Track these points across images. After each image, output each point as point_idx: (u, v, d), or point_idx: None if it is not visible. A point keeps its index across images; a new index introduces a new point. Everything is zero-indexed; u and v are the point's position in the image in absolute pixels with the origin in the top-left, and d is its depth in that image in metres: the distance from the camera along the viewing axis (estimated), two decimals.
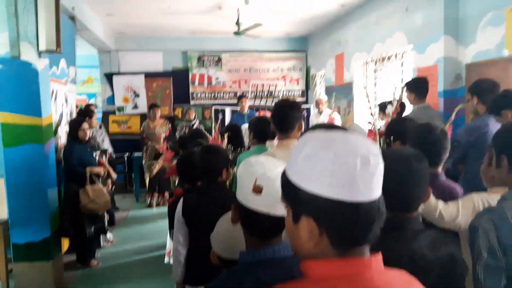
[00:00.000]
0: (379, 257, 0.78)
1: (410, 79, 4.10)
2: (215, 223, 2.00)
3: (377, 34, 5.62)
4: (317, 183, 0.72)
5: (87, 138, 4.25)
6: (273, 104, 8.16)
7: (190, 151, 2.64)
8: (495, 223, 1.28)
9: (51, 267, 3.55)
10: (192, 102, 8.29)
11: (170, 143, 6.54)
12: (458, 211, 1.73)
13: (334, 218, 0.72)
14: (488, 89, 2.94)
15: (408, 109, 4.03)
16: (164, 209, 6.36)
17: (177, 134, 7.13)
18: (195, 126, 7.10)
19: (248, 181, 1.10)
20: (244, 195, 1.11)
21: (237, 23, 6.26)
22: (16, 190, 3.49)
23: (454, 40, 4.17)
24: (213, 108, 8.16)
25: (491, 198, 1.73)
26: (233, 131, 4.20)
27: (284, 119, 2.19)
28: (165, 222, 5.53)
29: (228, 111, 8.07)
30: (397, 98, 3.90)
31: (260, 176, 1.08)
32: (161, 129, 6.74)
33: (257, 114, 6.98)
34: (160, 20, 6.79)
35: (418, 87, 3.72)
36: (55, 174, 3.76)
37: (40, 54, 3.62)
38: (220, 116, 8.16)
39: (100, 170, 4.15)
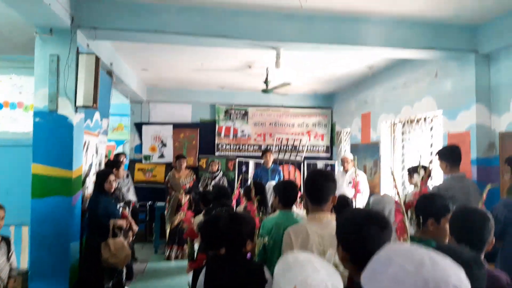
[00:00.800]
0: None
1: (442, 146, 4.01)
2: None
3: (405, 97, 5.62)
4: None
5: (112, 190, 4.28)
6: (297, 158, 8.17)
7: (216, 216, 2.59)
8: None
9: None
10: (217, 153, 8.37)
11: (193, 194, 6.55)
12: None
13: None
14: None
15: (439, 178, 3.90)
16: (183, 262, 6.23)
17: (200, 185, 7.14)
18: (218, 178, 7.11)
19: (285, 286, 1.03)
20: None
21: (266, 81, 6.42)
22: (39, 241, 3.50)
23: (486, 108, 4.10)
24: (237, 160, 8.20)
25: None
26: (257, 190, 4.16)
27: (318, 191, 2.10)
28: (183, 278, 5.41)
29: (251, 163, 8.08)
30: (425, 165, 3.80)
31: (299, 283, 1.01)
32: (186, 179, 6.77)
33: (280, 168, 6.94)
34: (191, 75, 7.05)
35: (451, 155, 3.62)
36: (79, 227, 3.77)
37: (76, 109, 3.77)
38: (244, 168, 8.18)
39: (122, 222, 4.14)
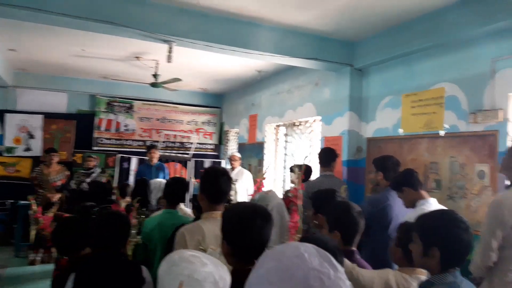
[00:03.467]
0: None
1: (319, 148, 4.38)
2: None
3: (289, 101, 5.99)
4: None
5: None
6: (185, 156, 8.04)
7: (74, 217, 2.38)
8: None
9: None
10: (95, 148, 7.72)
11: (65, 192, 5.92)
12: (373, 279, 1.81)
13: None
14: (393, 166, 3.24)
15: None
16: (48, 266, 5.59)
17: (74, 182, 6.49)
18: (94, 175, 6.54)
19: (171, 283, 0.99)
20: None
21: (155, 75, 6.18)
22: None
23: (357, 116, 4.62)
24: (119, 156, 7.70)
25: (404, 277, 1.84)
26: (140, 187, 3.97)
27: (218, 190, 2.05)
28: (48, 283, 4.84)
29: (134, 160, 7.68)
30: (301, 164, 4.11)
31: (187, 278, 0.98)
32: (57, 176, 6.10)
33: (165, 165, 6.73)
34: (68, 61, 6.38)
35: (324, 156, 3.98)
36: None
37: None
38: (126, 165, 7.72)
39: None
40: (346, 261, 1.79)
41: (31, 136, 7.25)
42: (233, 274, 1.20)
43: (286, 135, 6.32)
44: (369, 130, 4.51)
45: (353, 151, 4.62)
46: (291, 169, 4.80)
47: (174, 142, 8.39)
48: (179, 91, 7.86)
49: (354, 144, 4.62)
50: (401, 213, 2.98)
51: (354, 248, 2.05)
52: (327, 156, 3.98)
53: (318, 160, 4.00)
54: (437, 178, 3.67)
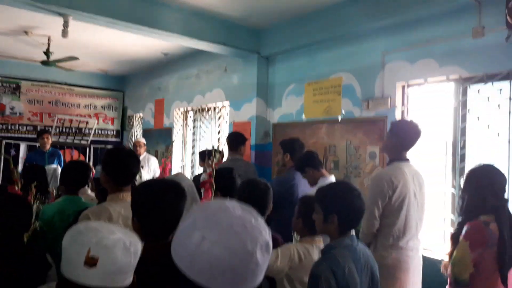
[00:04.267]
0: None
1: (229, 131, 4.44)
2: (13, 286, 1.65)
3: (197, 86, 5.94)
4: (209, 278, 0.68)
5: None
6: (82, 142, 7.46)
7: None
8: (332, 269, 1.51)
9: None
10: None
11: None
12: (277, 257, 1.92)
13: None
14: (299, 148, 3.45)
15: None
16: None
17: None
18: None
19: (78, 253, 0.95)
20: (73, 270, 0.96)
21: (47, 52, 5.59)
22: None
23: (264, 102, 4.79)
24: (4, 142, 6.84)
25: (306, 246, 2.00)
26: (33, 173, 3.61)
27: (123, 170, 1.95)
28: None
29: (23, 146, 6.91)
30: (219, 150, 4.16)
31: (94, 245, 0.95)
32: None
33: (61, 152, 6.18)
34: None
35: (233, 140, 4.06)
36: None
37: None
38: (13, 152, 6.91)
39: None
40: None
41: None
42: (145, 250, 1.18)
43: (194, 120, 6.27)
44: (275, 115, 4.71)
45: (260, 135, 4.78)
46: (204, 154, 4.76)
47: (70, 128, 7.71)
48: (75, 71, 7.21)
49: (261, 129, 4.79)
50: (306, 191, 3.20)
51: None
52: (236, 140, 4.07)
53: (228, 145, 4.06)
54: (335, 159, 4.01)
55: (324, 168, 3.20)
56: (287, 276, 1.95)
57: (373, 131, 3.66)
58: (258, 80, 4.76)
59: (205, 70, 5.80)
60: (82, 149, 7.53)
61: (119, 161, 1.96)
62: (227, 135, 4.20)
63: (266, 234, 0.74)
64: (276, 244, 2.12)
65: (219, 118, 5.64)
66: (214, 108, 5.72)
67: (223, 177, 2.52)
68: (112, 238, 0.97)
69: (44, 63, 5.63)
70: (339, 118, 3.92)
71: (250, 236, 0.70)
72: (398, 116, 3.48)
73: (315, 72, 4.23)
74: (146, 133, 7.31)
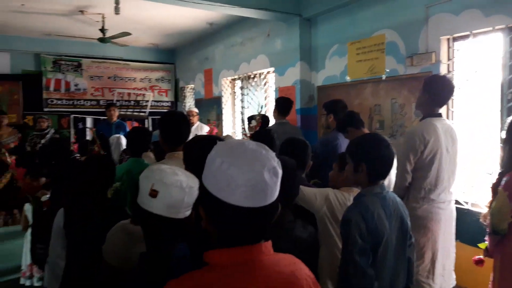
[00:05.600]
0: (268, 243, 0.95)
1: (275, 97, 4.58)
2: (98, 235, 1.97)
3: (242, 54, 6.08)
4: (228, 193, 0.85)
5: None
6: (141, 114, 7.98)
7: (72, 161, 2.50)
8: (362, 214, 1.63)
9: None
10: (46, 110, 7.47)
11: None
12: (315, 195, 2.08)
13: (234, 221, 0.87)
14: (342, 109, 3.52)
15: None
16: (13, 228, 5.59)
17: (27, 144, 6.33)
18: (49, 136, 6.41)
19: (146, 185, 1.17)
20: (142, 199, 1.18)
21: (102, 29, 5.99)
22: None
23: (308, 65, 4.83)
24: (72, 116, 7.53)
25: (342, 193, 2.14)
26: (101, 143, 4.04)
27: (177, 133, 2.18)
28: (14, 244, 4.89)
29: (89, 120, 7.55)
30: (263, 113, 4.34)
31: (157, 181, 1.16)
32: (8, 138, 5.93)
33: (126, 124, 6.69)
34: (8, 18, 6.00)
35: (280, 104, 4.19)
36: None
37: None
38: (80, 125, 7.59)
39: None
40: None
41: None
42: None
43: (242, 88, 6.45)
44: (319, 78, 4.75)
45: (305, 99, 4.87)
46: (248, 120, 5.00)
47: (129, 101, 8.27)
48: (129, 47, 7.64)
49: (306, 93, 4.86)
50: None
51: (303, 176, 2.32)
52: (282, 105, 4.19)
53: (276, 109, 4.17)
54: (381, 119, 4.03)
55: (366, 127, 3.25)
56: (327, 217, 2.08)
57: (418, 88, 3.59)
58: (301, 44, 4.79)
59: (249, 37, 5.90)
60: (140, 121, 8.07)
61: (171, 124, 2.20)
62: (274, 100, 4.33)
63: (274, 161, 0.89)
64: None
65: (265, 84, 5.77)
66: (260, 75, 5.85)
67: (261, 136, 2.70)
68: (172, 178, 1.17)
69: (100, 40, 6.04)
70: (383, 77, 3.89)
71: (258, 161, 0.86)
72: (443, 71, 3.41)
73: (357, 31, 4.19)
74: (197, 102, 7.65)
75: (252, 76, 6.04)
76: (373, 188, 1.75)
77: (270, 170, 0.87)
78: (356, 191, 2.16)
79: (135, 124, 8.00)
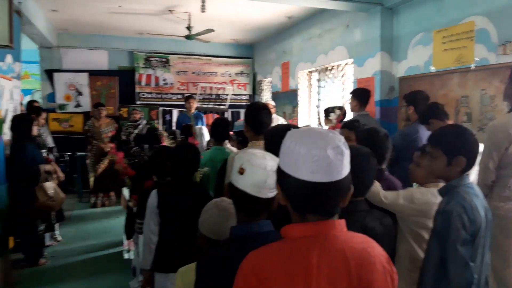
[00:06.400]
0: (342, 221, 1.02)
1: (353, 88, 4.53)
2: (189, 213, 2.20)
3: (320, 46, 6.08)
4: (295, 168, 0.95)
5: (34, 135, 4.14)
6: (221, 107, 8.38)
7: (164, 147, 2.80)
8: (463, 206, 1.62)
9: (0, 265, 3.43)
10: (138, 102, 8.21)
11: (116, 142, 6.46)
12: (398, 197, 2.07)
13: (302, 194, 0.96)
14: (423, 100, 3.40)
15: (349, 116, 4.45)
16: (110, 209, 6.28)
17: (123, 134, 7.03)
18: (141, 126, 7.05)
19: (237, 164, 1.32)
20: (234, 176, 1.33)
21: (188, 27, 6.40)
22: None
23: (389, 56, 4.70)
24: (161, 109, 8.17)
25: (426, 187, 2.09)
26: (186, 133, 4.38)
27: (260, 123, 2.33)
28: (112, 221, 5.52)
29: (175, 112, 8.13)
30: (341, 106, 4.33)
31: (246, 161, 1.30)
32: (107, 128, 6.64)
33: (203, 115, 7.10)
34: (106, 19, 6.69)
35: (362, 96, 4.15)
36: (4, 172, 3.64)
37: None
38: (168, 117, 8.21)
39: (51, 167, 4.07)
40: (374, 186, 2.03)
41: (79, 93, 7.80)
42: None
43: (319, 80, 6.47)
44: (401, 69, 4.60)
45: (385, 91, 4.75)
46: (326, 112, 5.00)
47: (210, 94, 8.74)
48: (212, 43, 8.05)
49: (386, 84, 4.74)
50: None
51: (383, 167, 2.32)
52: (362, 96, 4.15)
53: (355, 101, 4.13)
54: (468, 111, 3.80)
55: (451, 119, 3.11)
56: (411, 217, 2.06)
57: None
58: (381, 33, 4.67)
59: (327, 29, 5.89)
60: (221, 113, 8.47)
61: (256, 114, 2.35)
62: (352, 91, 4.30)
63: (339, 141, 0.97)
64: (394, 188, 2.27)
65: (343, 76, 5.72)
66: (338, 66, 5.81)
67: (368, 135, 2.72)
68: (259, 161, 1.30)
69: (187, 37, 6.46)
70: (472, 66, 3.66)
71: (323, 139, 0.95)
72: None
73: (444, 18, 3.98)
74: (274, 96, 7.82)
75: (329, 68, 6.03)
76: (463, 179, 1.72)
77: (334, 148, 0.95)
78: (440, 185, 2.11)
79: (216, 116, 8.42)
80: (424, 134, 3.27)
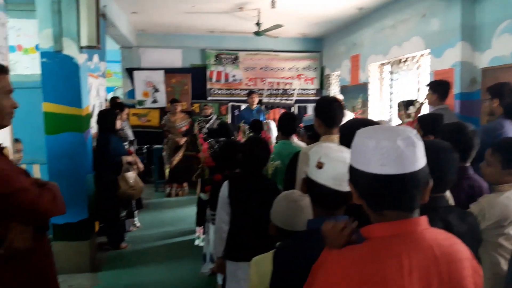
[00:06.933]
0: (424, 218, 0.98)
1: (430, 80, 4.28)
2: (259, 205, 2.27)
3: (393, 37, 5.81)
4: (365, 163, 0.94)
5: (118, 128, 4.51)
6: (288, 102, 8.41)
7: (233, 140, 2.90)
8: None
9: (87, 247, 3.81)
10: (209, 98, 8.54)
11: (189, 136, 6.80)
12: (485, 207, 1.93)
13: (375, 189, 0.95)
14: (509, 93, 3.12)
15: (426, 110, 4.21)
16: (183, 199, 6.65)
17: (195, 129, 7.36)
18: (212, 121, 7.33)
19: (314, 158, 1.33)
20: (311, 170, 1.34)
21: (258, 23, 6.49)
22: (57, 175, 3.72)
23: (470, 45, 4.36)
24: (230, 104, 8.42)
25: (498, 199, 1.93)
26: (257, 127, 4.47)
27: (333, 117, 2.30)
28: (185, 211, 5.83)
29: (243, 107, 8.33)
30: (419, 99, 4.11)
31: (323, 155, 1.31)
32: (181, 123, 6.99)
33: (266, 110, 7.16)
34: (180, 19, 7.03)
35: (441, 88, 3.88)
36: (92, 162, 4.02)
37: (80, 49, 3.87)
38: (237, 112, 8.43)
39: (132, 159, 4.41)
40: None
41: (156, 90, 8.32)
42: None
43: (391, 73, 6.20)
44: (484, 59, 4.24)
45: (466, 83, 4.42)
46: (403, 105, 4.71)
47: (277, 89, 8.80)
48: (279, 38, 8.08)
49: (467, 75, 4.41)
50: None
51: (467, 164, 2.18)
52: (444, 88, 3.89)
53: (434, 94, 3.89)
54: None
55: None
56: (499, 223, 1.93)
57: None
58: (462, 21, 4.34)
59: (401, 19, 5.61)
60: (288, 108, 8.49)
61: (327, 108, 2.32)
62: (428, 84, 4.06)
63: (410, 133, 0.93)
64: (480, 192, 2.12)
65: (418, 68, 5.43)
66: (412, 58, 5.52)
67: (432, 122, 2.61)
68: (337, 154, 1.30)
69: (256, 33, 6.56)
70: None
71: (393, 132, 0.93)
72: None
73: None
74: (343, 89, 7.65)
75: (403, 60, 5.75)
76: None
77: (405, 139, 0.91)
78: None
79: (282, 111, 8.46)
80: (510, 129, 3.00)
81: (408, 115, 4.01)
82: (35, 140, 4.11)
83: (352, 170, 1.00)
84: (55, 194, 1.67)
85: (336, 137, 2.27)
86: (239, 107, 8.35)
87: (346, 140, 1.82)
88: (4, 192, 1.48)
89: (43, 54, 3.75)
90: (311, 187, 1.34)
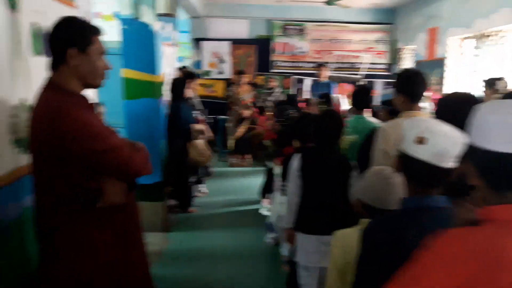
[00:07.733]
0: None
1: None
2: (330, 179, 2.25)
3: (478, 9, 5.30)
4: (487, 140, 0.87)
5: (188, 97, 4.63)
6: (356, 76, 8.09)
7: (308, 113, 2.86)
8: None
9: (160, 208, 4.03)
10: (272, 71, 8.47)
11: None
12: None
13: (498, 169, 0.86)
14: None
15: None
16: (245, 169, 6.78)
17: (258, 101, 7.38)
18: (275, 94, 7.29)
19: (412, 132, 1.24)
20: (408, 145, 1.26)
21: None
22: (134, 139, 3.90)
23: None
24: (293, 77, 8.29)
25: None
26: (326, 100, 4.38)
27: (417, 90, 2.16)
28: (248, 181, 5.95)
29: (307, 81, 8.15)
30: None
31: (425, 129, 1.22)
32: (246, 95, 7.03)
33: (333, 84, 6.91)
34: None
35: None
36: (164, 128, 4.19)
37: (157, 16, 3.97)
38: (300, 85, 8.30)
39: (202, 127, 4.54)
40: None
41: (222, 61, 8.40)
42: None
43: (475, 47, 5.70)
44: None
45: None
46: (487, 83, 4.34)
47: (344, 63, 8.49)
48: (350, 9, 7.71)
49: None
50: None
51: None
52: None
53: None
54: None
55: None
56: None
57: None
58: None
59: None
60: (354, 84, 8.18)
61: (410, 82, 2.16)
62: None
63: None
64: None
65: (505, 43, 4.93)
66: (499, 32, 5.01)
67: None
68: (438, 128, 1.21)
69: (327, 3, 6.32)
70: None
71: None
72: None
73: None
74: (418, 65, 7.19)
75: (489, 33, 5.24)
76: None
77: None
78: None
79: (349, 87, 8.19)
80: None
81: (496, 91, 3.68)
82: (112, 105, 4.35)
83: (471, 147, 0.92)
84: (146, 154, 1.74)
85: (418, 113, 2.14)
86: (302, 80, 8.19)
87: (443, 113, 1.71)
88: (100, 149, 1.56)
89: (124, 21, 3.89)
90: (408, 163, 1.26)
